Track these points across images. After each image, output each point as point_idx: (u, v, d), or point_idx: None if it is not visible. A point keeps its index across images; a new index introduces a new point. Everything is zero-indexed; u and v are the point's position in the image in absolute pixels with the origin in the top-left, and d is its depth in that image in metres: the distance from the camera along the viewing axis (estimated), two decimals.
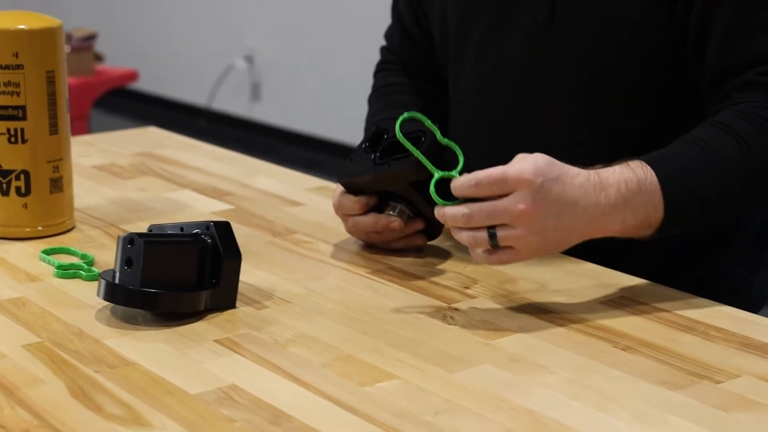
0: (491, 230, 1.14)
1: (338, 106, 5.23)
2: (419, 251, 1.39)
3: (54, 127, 1.42)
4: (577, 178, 1.15)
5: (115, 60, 6.13)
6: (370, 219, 1.35)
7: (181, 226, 1.24)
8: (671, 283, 1.30)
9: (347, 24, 5.18)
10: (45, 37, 1.40)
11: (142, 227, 1.46)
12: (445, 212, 1.16)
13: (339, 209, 1.38)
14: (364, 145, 1.36)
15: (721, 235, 1.42)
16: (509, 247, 1.15)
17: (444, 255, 1.38)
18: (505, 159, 1.37)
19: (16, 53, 1.38)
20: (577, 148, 1.36)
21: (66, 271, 1.30)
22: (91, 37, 3.81)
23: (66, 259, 1.35)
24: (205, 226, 1.22)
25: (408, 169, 1.28)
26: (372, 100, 1.62)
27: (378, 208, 1.36)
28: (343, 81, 5.20)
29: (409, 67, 1.62)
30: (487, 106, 1.46)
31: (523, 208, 1.12)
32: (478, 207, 1.13)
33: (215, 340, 1.13)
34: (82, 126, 3.61)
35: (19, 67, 1.38)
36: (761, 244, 1.47)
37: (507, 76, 1.43)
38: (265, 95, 5.92)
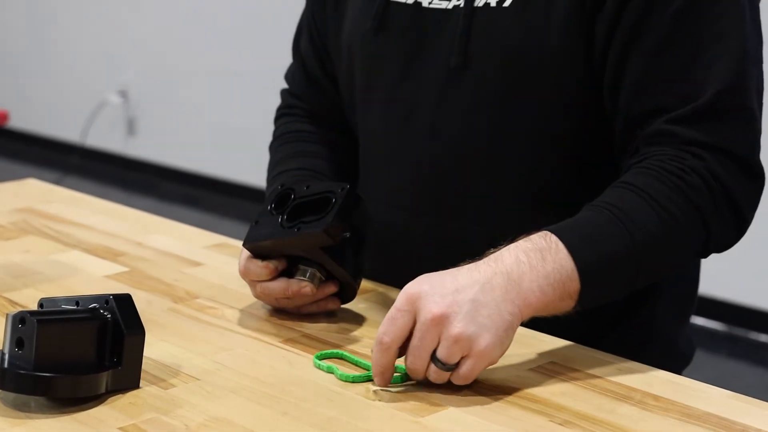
0: (434, 357, 1.09)
1: (216, 142, 5.11)
2: (332, 315, 1.31)
3: None
4: (463, 267, 1.11)
5: None
6: (279, 285, 1.27)
7: (77, 300, 1.14)
8: (596, 340, 1.25)
9: (223, 60, 5.07)
10: None
11: (29, 295, 1.36)
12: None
13: (246, 275, 1.29)
14: (270, 206, 1.28)
15: (650, 289, 1.36)
16: (463, 358, 1.09)
17: (358, 320, 1.30)
18: (420, 206, 1.32)
19: None
20: (494, 194, 1.32)
21: None
22: None
23: None
24: (104, 300, 1.12)
25: (320, 234, 1.20)
26: (274, 148, 1.54)
27: (288, 273, 1.28)
28: (220, 117, 5.10)
29: (314, 114, 1.54)
30: (398, 153, 1.39)
31: (434, 312, 1.07)
32: (411, 356, 1.10)
33: (120, 428, 1.03)
34: None
35: None
36: (690, 297, 1.43)
37: (418, 122, 1.36)
38: (141, 130, 5.77)
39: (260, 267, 1.27)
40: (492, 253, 1.13)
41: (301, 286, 1.26)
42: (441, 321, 1.07)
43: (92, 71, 5.93)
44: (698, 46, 1.22)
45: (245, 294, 1.36)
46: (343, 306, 1.32)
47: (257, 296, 1.30)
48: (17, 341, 1.07)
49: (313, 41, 1.51)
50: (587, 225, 1.16)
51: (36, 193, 1.83)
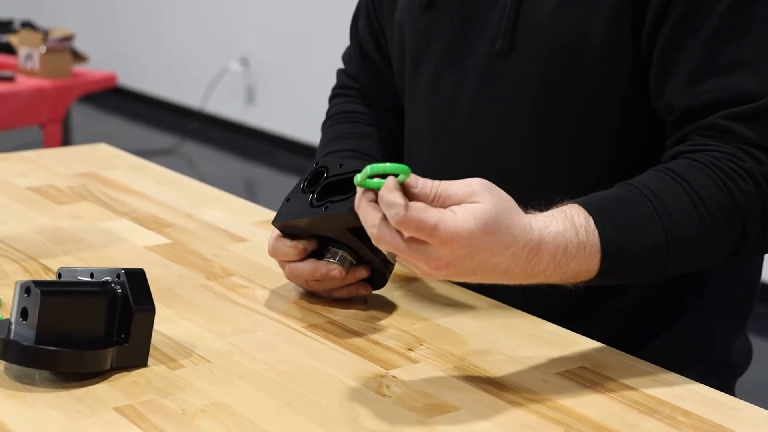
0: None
1: None
2: (363, 302, 1.26)
3: None
4: (513, 245, 1.01)
5: (108, 61, 6.00)
6: (308, 266, 1.22)
7: (91, 272, 1.11)
8: (637, 347, 1.17)
9: (344, 28, 5.04)
10: None
11: (64, 263, 1.33)
12: (362, 206, 1.00)
13: (274, 254, 1.24)
14: (302, 184, 1.23)
15: (698, 292, 1.28)
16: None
17: (390, 308, 1.24)
18: None
19: None
20: (534, 181, 1.26)
21: None
22: (68, 38, 3.67)
23: None
24: (117, 273, 1.09)
25: (346, 213, 1.15)
26: (326, 128, 1.49)
27: (318, 254, 1.23)
28: None
29: (368, 95, 1.49)
30: (439, 138, 1.33)
31: (431, 270, 0.99)
32: (390, 236, 0.98)
33: (115, 408, 0.99)
34: (56, 131, 3.47)
35: None
36: (746, 302, 1.33)
37: (460, 107, 1.30)
38: (260, 100, 5.79)
39: (288, 246, 1.22)
40: (548, 216, 1.06)
41: (330, 269, 1.21)
42: (429, 274, 1.00)
43: (215, 39, 5.97)
44: (756, 41, 1.13)
45: (281, 275, 1.32)
46: (375, 292, 1.26)
47: (287, 277, 1.26)
48: (22, 311, 1.05)
49: (370, 22, 1.46)
50: (627, 212, 1.09)
51: (103, 159, 1.82)
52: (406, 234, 0.98)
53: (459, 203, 0.98)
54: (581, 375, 1.09)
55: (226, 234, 1.46)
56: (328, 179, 1.20)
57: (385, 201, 0.97)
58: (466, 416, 1.00)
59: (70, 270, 1.13)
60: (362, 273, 1.23)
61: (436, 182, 0.99)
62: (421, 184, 0.99)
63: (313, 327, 1.19)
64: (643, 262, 1.09)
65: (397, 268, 1.29)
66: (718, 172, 1.12)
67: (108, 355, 1.06)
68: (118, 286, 1.08)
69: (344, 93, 1.51)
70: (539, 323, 1.21)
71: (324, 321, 1.20)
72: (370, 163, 1.05)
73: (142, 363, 1.08)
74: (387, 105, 1.46)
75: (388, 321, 1.21)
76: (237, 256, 1.38)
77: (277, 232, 1.24)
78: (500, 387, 1.06)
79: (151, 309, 1.08)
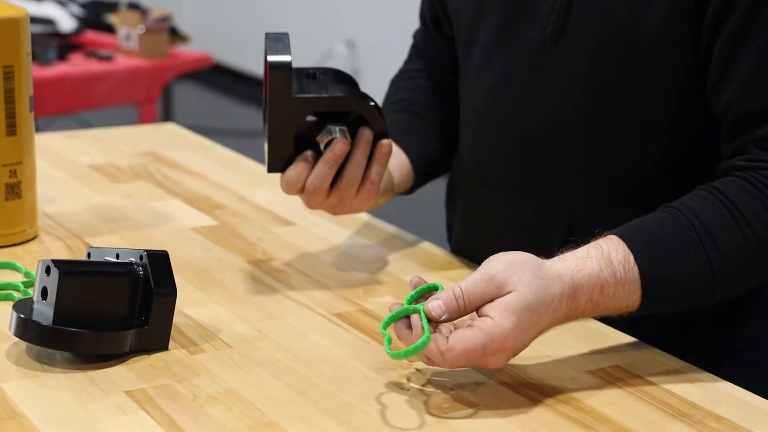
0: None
1: None
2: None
3: (12, 128, 1.28)
4: (552, 304, 0.99)
5: (210, 41, 6.04)
6: (319, 166, 1.18)
7: (117, 253, 1.10)
8: (687, 348, 1.12)
9: None
10: (5, 28, 1.26)
11: (108, 241, 1.33)
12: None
13: (291, 188, 1.19)
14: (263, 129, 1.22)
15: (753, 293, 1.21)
16: None
17: None
18: (501, 183, 1.23)
19: None
20: (577, 182, 1.21)
21: None
22: (166, 19, 3.69)
23: (10, 277, 1.22)
24: (140, 255, 1.07)
25: (271, 75, 1.12)
26: (391, 83, 1.48)
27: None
28: None
29: (435, 75, 1.44)
30: (486, 124, 1.29)
31: (499, 365, 0.99)
32: (457, 355, 0.96)
33: (126, 391, 0.98)
34: (151, 110, 3.50)
35: None
36: None
37: (508, 92, 1.25)
38: (366, 81, 5.77)
39: (291, 170, 1.19)
40: (580, 257, 1.02)
41: (333, 147, 1.16)
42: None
43: (320, 20, 5.97)
44: None
45: (322, 260, 1.30)
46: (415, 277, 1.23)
47: (316, 204, 1.21)
48: (42, 290, 1.04)
49: (432, 4, 1.42)
50: (671, 246, 1.05)
51: (167, 138, 1.81)
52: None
53: (491, 300, 0.97)
54: (613, 374, 1.04)
55: (274, 217, 1.44)
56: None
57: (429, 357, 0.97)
58: (483, 413, 0.97)
59: (100, 250, 1.12)
60: (366, 133, 1.18)
61: (457, 291, 0.98)
62: (444, 307, 0.98)
63: (344, 315, 1.16)
64: (688, 293, 1.06)
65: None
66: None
67: (127, 338, 1.04)
68: (141, 268, 1.06)
69: (410, 67, 1.47)
70: (584, 321, 1.16)
71: (356, 309, 1.17)
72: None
73: (163, 346, 1.07)
74: (448, 70, 1.41)
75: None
76: (281, 240, 1.36)
77: (279, 175, 1.21)
78: (524, 384, 1.02)
79: (172, 292, 1.06)
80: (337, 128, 1.17)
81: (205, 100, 6.29)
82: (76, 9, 4.00)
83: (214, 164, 1.66)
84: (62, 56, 3.51)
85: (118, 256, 1.09)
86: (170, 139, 1.80)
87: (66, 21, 3.72)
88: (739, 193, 1.07)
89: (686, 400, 1.00)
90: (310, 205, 1.22)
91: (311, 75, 1.18)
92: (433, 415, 0.96)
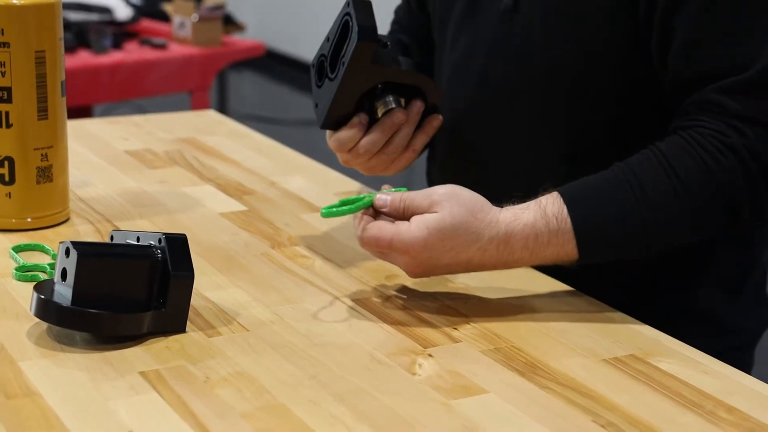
0: None
1: None
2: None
3: (43, 112, 1.30)
4: (477, 242, 1.10)
5: (268, 30, 6.06)
6: (374, 133, 1.25)
7: (138, 236, 1.11)
8: (638, 313, 1.16)
9: None
10: (37, 13, 1.28)
11: (138, 226, 1.35)
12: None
13: (341, 148, 1.26)
14: (315, 84, 1.27)
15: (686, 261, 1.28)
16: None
17: (445, 284, 1.21)
18: (465, 152, 1.35)
19: (2, 30, 1.27)
20: (534, 147, 1.28)
21: (25, 273, 1.19)
22: (219, 7, 3.72)
23: (38, 259, 1.24)
24: (159, 238, 1.09)
25: (358, 45, 1.17)
26: None
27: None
28: None
29: (415, 40, 1.51)
30: (457, 100, 1.34)
31: (408, 272, 1.13)
32: (368, 236, 1.11)
33: (140, 372, 0.99)
34: (203, 98, 3.53)
35: (5, 45, 1.27)
36: (745, 268, 1.32)
37: (472, 68, 1.32)
38: None
39: (346, 131, 1.25)
40: (518, 208, 1.12)
41: (392, 116, 1.24)
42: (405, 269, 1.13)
43: (379, 8, 5.96)
44: (746, 14, 1.13)
45: (348, 246, 1.30)
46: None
47: (357, 164, 1.29)
48: (62, 272, 1.05)
49: None
50: (604, 200, 1.13)
51: (206, 125, 1.83)
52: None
53: (421, 213, 1.09)
54: (628, 363, 1.04)
55: (303, 203, 1.45)
56: (324, 56, 1.24)
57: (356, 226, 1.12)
58: (491, 399, 0.97)
59: (122, 233, 1.14)
60: (418, 105, 1.26)
61: (405, 195, 1.11)
62: (389, 202, 1.11)
63: (362, 301, 1.16)
64: (622, 244, 1.13)
65: None
66: (699, 150, 1.12)
67: (144, 320, 1.06)
68: (159, 251, 1.08)
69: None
70: (601, 307, 1.16)
71: (375, 295, 1.18)
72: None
73: (180, 329, 1.08)
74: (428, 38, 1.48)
75: (442, 297, 1.17)
76: (308, 226, 1.37)
77: (329, 132, 1.26)
78: (536, 371, 1.02)
79: (189, 275, 1.08)
80: (395, 99, 1.24)
81: (264, 88, 6.32)
82: None
83: (249, 151, 1.68)
84: (117, 44, 3.55)
85: (138, 240, 1.11)
86: (209, 126, 1.82)
87: (122, 9, 3.76)
88: (673, 147, 1.14)
89: (699, 390, 0.99)
90: (348, 163, 1.29)
91: (383, 44, 1.21)
92: (441, 401, 0.96)
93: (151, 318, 1.06)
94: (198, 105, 3.48)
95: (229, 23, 4.10)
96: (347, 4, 1.21)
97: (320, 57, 1.26)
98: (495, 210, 1.11)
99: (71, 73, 3.32)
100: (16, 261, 1.22)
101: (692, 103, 1.16)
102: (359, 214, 1.12)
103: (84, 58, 3.44)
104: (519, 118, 1.29)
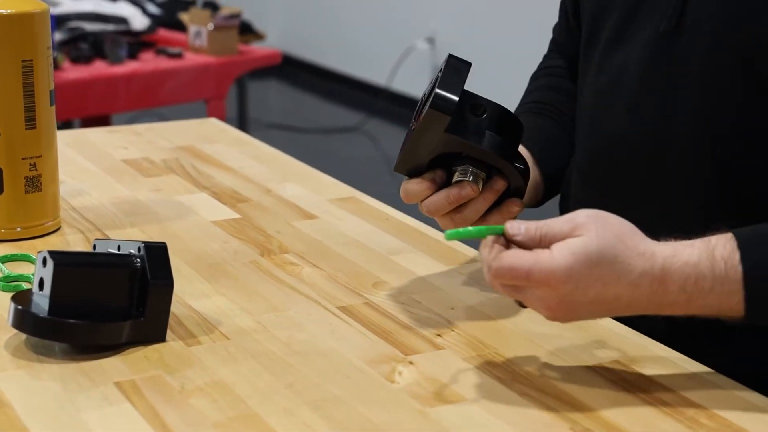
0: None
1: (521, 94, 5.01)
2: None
3: (31, 122, 1.30)
4: (628, 275, 0.94)
5: (292, 38, 6.06)
6: (440, 195, 1.13)
7: (119, 245, 1.10)
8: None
9: (532, 11, 4.96)
10: (24, 22, 1.28)
11: (128, 234, 1.34)
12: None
13: (409, 198, 1.16)
14: (412, 120, 1.16)
15: None
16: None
17: (433, 291, 1.19)
18: (619, 182, 1.19)
19: None
20: (693, 173, 1.13)
21: (9, 284, 1.18)
22: (235, 16, 3.72)
23: (25, 269, 1.23)
24: (138, 247, 1.08)
25: (429, 111, 1.05)
26: (531, 80, 1.44)
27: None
28: (526, 69, 4.98)
29: (573, 61, 1.35)
30: (598, 130, 1.22)
31: (548, 313, 0.96)
32: (501, 266, 0.94)
33: (115, 382, 0.98)
34: (219, 106, 3.53)
35: None
36: None
37: (621, 93, 1.18)
38: None
39: (415, 184, 1.14)
40: (680, 245, 0.96)
41: (461, 188, 1.12)
42: (546, 313, 0.97)
43: (402, 18, 5.96)
44: None
45: (337, 254, 1.29)
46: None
47: (445, 226, 1.16)
48: (40, 282, 1.05)
49: None
50: None
51: (206, 133, 1.82)
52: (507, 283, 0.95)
53: (563, 240, 0.94)
54: (611, 369, 1.02)
55: (297, 210, 1.44)
56: (422, 103, 1.12)
57: (482, 257, 0.96)
58: (469, 407, 0.95)
59: (105, 242, 1.13)
60: (499, 184, 1.13)
61: (541, 223, 0.95)
62: (524, 229, 0.95)
63: (347, 308, 1.15)
64: None
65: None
66: None
67: (123, 329, 1.05)
68: (138, 260, 1.07)
69: (549, 56, 1.42)
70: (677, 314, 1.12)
71: (361, 302, 1.16)
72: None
73: (160, 338, 1.07)
74: None
75: (429, 304, 1.16)
76: (299, 234, 1.36)
77: (405, 178, 1.17)
78: (516, 378, 1.00)
79: (168, 283, 1.07)
80: (474, 171, 1.13)
81: (289, 97, 6.33)
82: (153, 8, 4.06)
83: (247, 158, 1.67)
84: (133, 54, 3.56)
85: (119, 248, 1.10)
86: (209, 134, 1.81)
87: (139, 19, 3.77)
88: None
89: (683, 397, 0.97)
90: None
91: (476, 109, 1.10)
92: (418, 409, 0.95)
93: (129, 327, 1.05)
94: (213, 113, 3.48)
95: (248, 32, 4.10)
96: (448, 58, 1.11)
97: (423, 95, 1.15)
98: (650, 241, 0.95)
99: (87, 84, 3.36)
100: (1, 271, 1.22)
101: None
102: (489, 241, 0.96)
103: (100, 68, 3.45)
104: (672, 149, 1.14)
